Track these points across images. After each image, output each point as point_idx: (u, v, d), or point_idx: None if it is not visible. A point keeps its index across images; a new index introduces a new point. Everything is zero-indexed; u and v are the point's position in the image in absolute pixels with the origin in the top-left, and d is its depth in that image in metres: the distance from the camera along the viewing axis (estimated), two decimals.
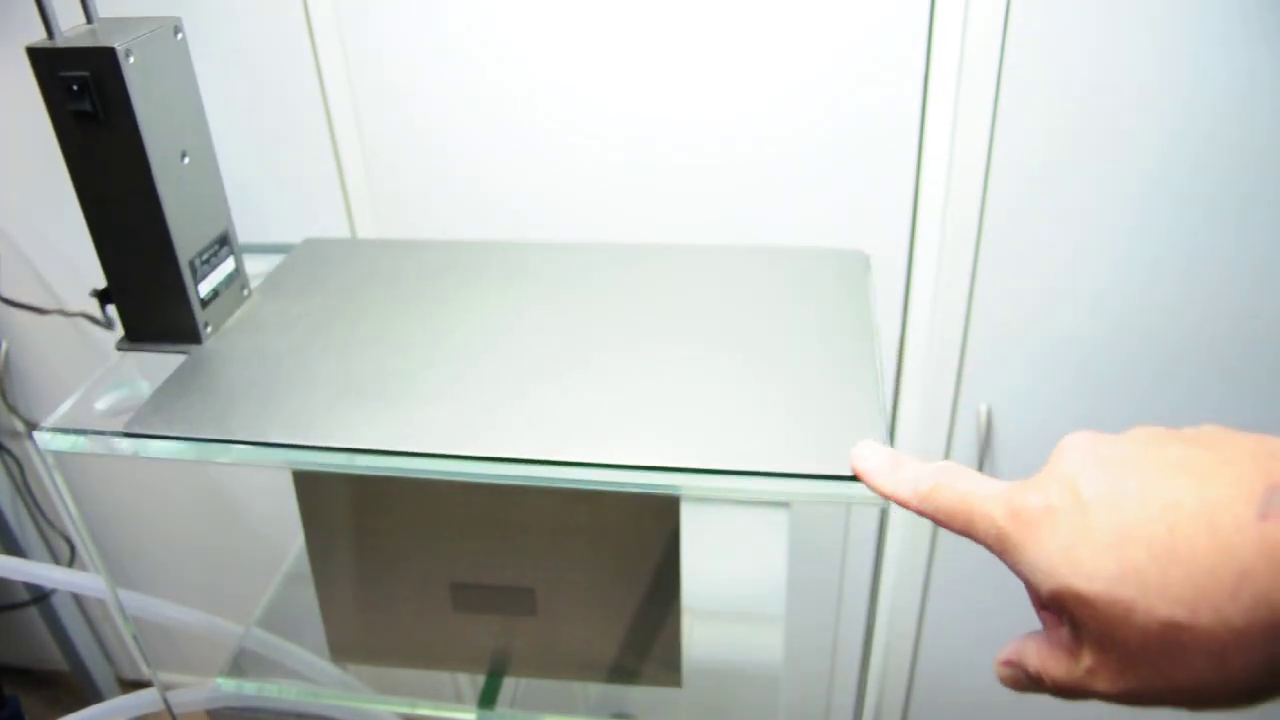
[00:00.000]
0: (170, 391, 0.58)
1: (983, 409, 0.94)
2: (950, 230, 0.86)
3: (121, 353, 0.63)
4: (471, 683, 0.83)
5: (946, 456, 0.98)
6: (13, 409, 1.17)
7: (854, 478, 0.47)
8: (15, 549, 1.21)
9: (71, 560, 1.32)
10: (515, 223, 0.93)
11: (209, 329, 0.63)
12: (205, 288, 0.62)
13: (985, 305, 0.89)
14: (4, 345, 1.12)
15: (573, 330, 0.63)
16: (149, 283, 0.60)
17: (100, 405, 0.59)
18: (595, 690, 0.78)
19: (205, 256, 0.62)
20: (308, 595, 0.71)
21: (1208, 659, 0.27)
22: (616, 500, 0.63)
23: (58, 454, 0.57)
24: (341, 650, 0.75)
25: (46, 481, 1.25)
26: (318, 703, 0.79)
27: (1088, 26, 0.75)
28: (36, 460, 1.23)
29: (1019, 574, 0.32)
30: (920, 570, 1.06)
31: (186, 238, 0.60)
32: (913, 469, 0.39)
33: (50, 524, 1.28)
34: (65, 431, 0.56)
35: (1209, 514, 0.28)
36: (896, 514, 1.08)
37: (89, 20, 0.58)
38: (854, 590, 1.10)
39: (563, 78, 0.85)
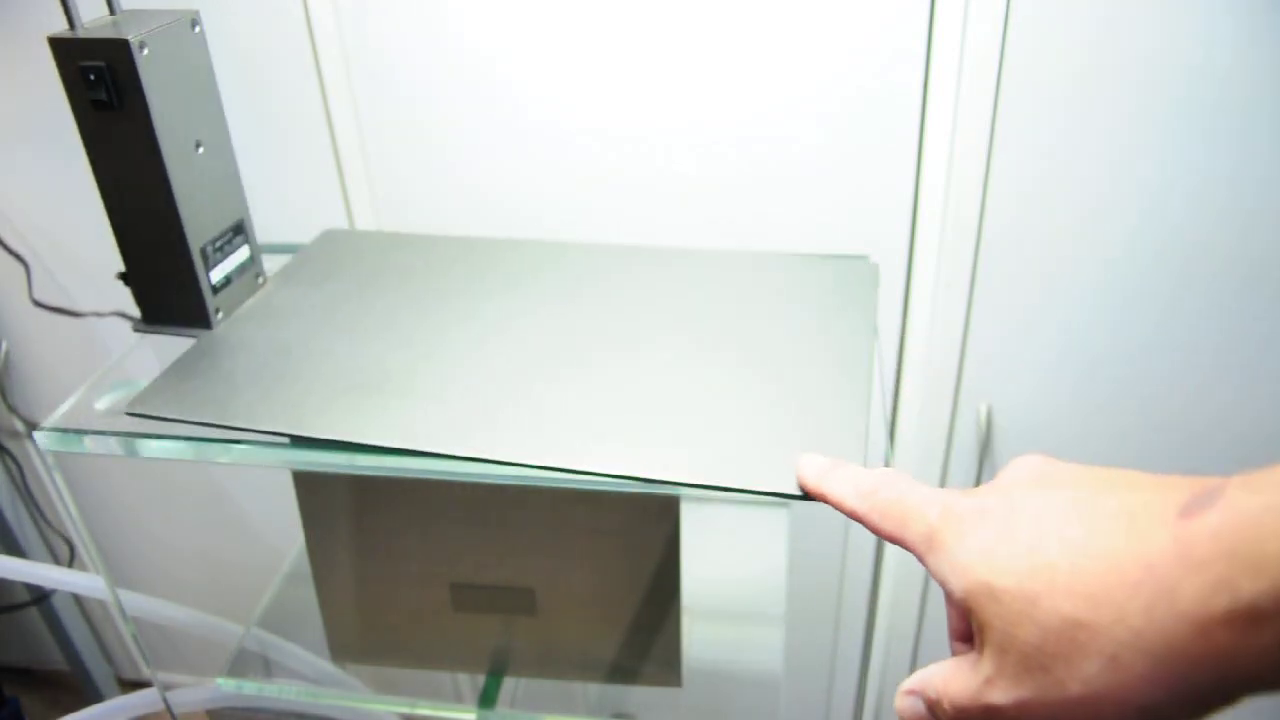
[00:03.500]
0: (176, 375, 0.58)
1: (983, 409, 0.94)
2: (950, 230, 0.86)
3: (139, 336, 0.65)
4: (471, 683, 0.83)
5: (946, 457, 0.98)
6: (13, 409, 1.17)
7: (805, 496, 0.45)
8: (15, 549, 1.21)
9: (71, 560, 1.32)
10: (515, 222, 0.93)
11: (220, 315, 0.64)
12: (217, 274, 0.64)
13: (985, 305, 0.89)
14: (4, 345, 1.12)
15: (577, 332, 0.63)
16: (162, 267, 0.62)
17: (100, 405, 0.59)
18: (595, 690, 0.78)
19: (219, 244, 0.64)
20: (308, 595, 0.71)
21: (1101, 663, 0.26)
22: (616, 500, 0.63)
23: (58, 454, 0.57)
24: (341, 650, 0.75)
25: (46, 481, 1.25)
26: (318, 703, 0.79)
27: (1087, 26, 0.75)
28: (36, 460, 1.23)
29: (938, 576, 0.32)
30: (920, 570, 1.06)
31: (198, 224, 0.61)
32: (853, 470, 0.39)
33: (50, 524, 1.28)
34: (65, 431, 0.56)
35: (1130, 514, 0.27)
36: None
37: (111, 12, 0.60)
38: (854, 590, 1.10)
39: (563, 78, 0.85)
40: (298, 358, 0.59)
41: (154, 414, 0.54)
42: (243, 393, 0.56)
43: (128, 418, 0.55)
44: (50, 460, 0.62)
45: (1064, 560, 0.27)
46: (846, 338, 0.61)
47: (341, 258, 0.72)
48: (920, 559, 0.33)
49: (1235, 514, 0.24)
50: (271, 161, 0.94)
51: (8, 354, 1.13)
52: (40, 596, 1.28)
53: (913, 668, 1.14)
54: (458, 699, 1.06)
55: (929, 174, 0.84)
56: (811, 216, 0.88)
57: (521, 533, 0.65)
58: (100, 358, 1.11)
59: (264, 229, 0.98)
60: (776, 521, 0.94)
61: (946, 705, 0.30)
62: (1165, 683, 0.25)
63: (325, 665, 0.80)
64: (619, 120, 0.86)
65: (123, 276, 0.64)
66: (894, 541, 0.34)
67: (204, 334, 0.63)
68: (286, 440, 0.54)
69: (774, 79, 0.82)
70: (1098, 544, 0.27)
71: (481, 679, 0.76)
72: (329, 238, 0.75)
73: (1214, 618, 0.24)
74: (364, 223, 0.96)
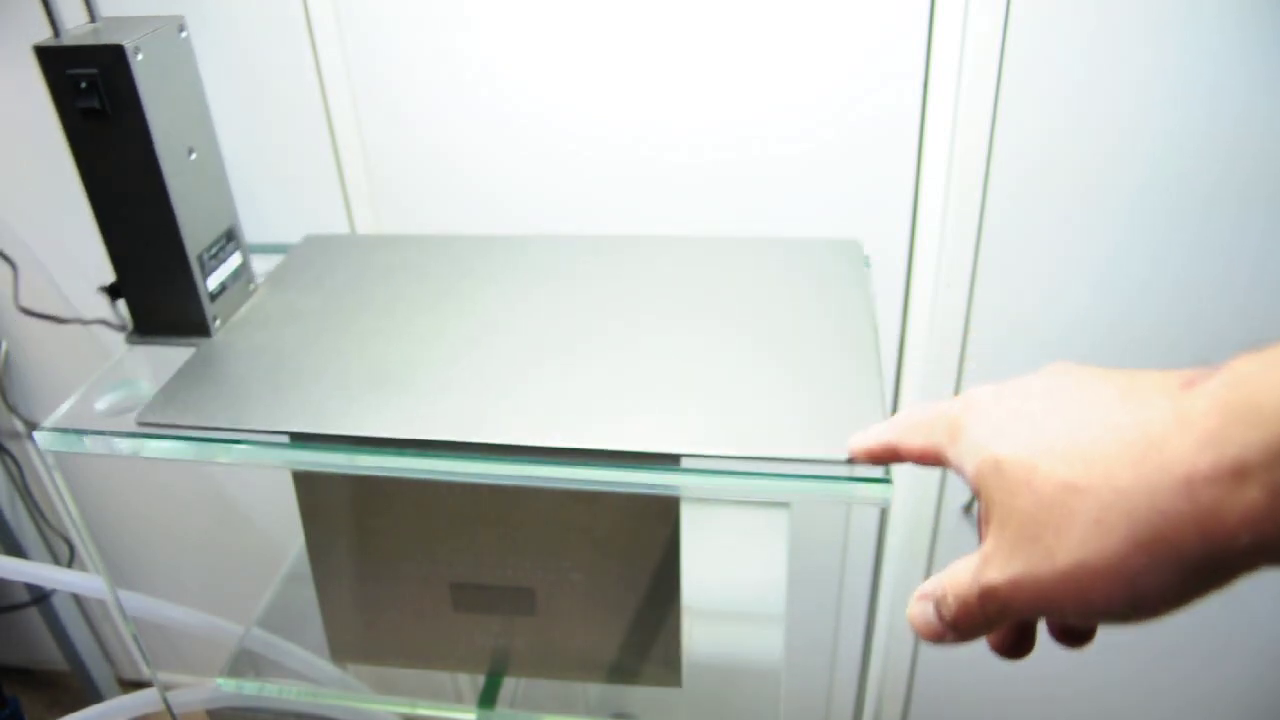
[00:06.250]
0: (181, 383, 0.58)
1: None
2: (950, 228, 0.86)
3: (129, 347, 0.64)
4: (471, 683, 0.83)
5: None
6: (13, 409, 1.17)
7: (848, 460, 0.48)
8: (15, 549, 1.21)
9: (71, 560, 1.32)
10: (515, 221, 0.93)
11: (218, 322, 0.64)
12: (213, 281, 0.64)
13: (985, 303, 0.89)
14: (4, 345, 1.12)
15: (574, 320, 0.63)
16: (158, 277, 0.61)
17: (100, 405, 0.59)
18: (595, 690, 0.78)
19: (213, 251, 0.64)
20: (308, 595, 0.71)
21: (1086, 527, 0.25)
22: (616, 500, 0.63)
23: (58, 454, 0.57)
24: (341, 650, 0.75)
25: (46, 481, 1.25)
26: (318, 703, 0.79)
27: (1087, 26, 0.75)
28: (36, 460, 1.23)
29: (958, 465, 0.32)
30: (920, 570, 1.06)
31: (194, 232, 0.61)
32: (882, 421, 0.40)
33: (50, 524, 1.28)
34: (65, 431, 0.56)
35: (1134, 389, 0.27)
36: (896, 513, 1.08)
37: (92, 19, 0.59)
38: (854, 590, 1.10)
39: (564, 76, 0.85)
40: (301, 360, 0.59)
41: (165, 422, 0.54)
42: (252, 397, 0.56)
43: (126, 418, 0.55)
44: (50, 460, 0.62)
45: (1065, 429, 0.27)
46: (846, 315, 0.63)
47: (328, 261, 0.72)
48: (945, 459, 0.33)
49: (1233, 375, 0.23)
50: (272, 162, 0.94)
51: (7, 354, 1.13)
52: (40, 596, 1.28)
53: (913, 668, 1.14)
54: (458, 699, 1.06)
55: (929, 171, 0.84)
56: (812, 214, 0.88)
57: (521, 533, 0.65)
58: (100, 358, 1.10)
59: (263, 228, 0.98)
60: (776, 521, 0.94)
61: (950, 598, 0.30)
62: (1148, 547, 0.24)
63: (325, 665, 0.80)
64: (620, 118, 0.86)
65: (110, 289, 0.63)
66: (927, 455, 0.34)
67: (203, 342, 0.63)
68: (287, 440, 0.54)
69: (774, 76, 0.82)
70: (1099, 414, 0.27)
71: (481, 679, 0.76)
72: (312, 243, 0.75)
73: (1199, 472, 0.23)
74: (363, 221, 0.96)
